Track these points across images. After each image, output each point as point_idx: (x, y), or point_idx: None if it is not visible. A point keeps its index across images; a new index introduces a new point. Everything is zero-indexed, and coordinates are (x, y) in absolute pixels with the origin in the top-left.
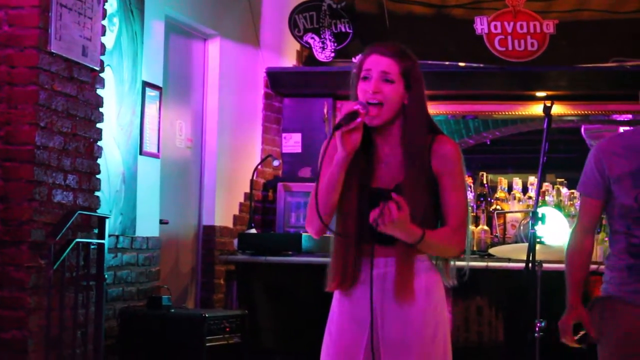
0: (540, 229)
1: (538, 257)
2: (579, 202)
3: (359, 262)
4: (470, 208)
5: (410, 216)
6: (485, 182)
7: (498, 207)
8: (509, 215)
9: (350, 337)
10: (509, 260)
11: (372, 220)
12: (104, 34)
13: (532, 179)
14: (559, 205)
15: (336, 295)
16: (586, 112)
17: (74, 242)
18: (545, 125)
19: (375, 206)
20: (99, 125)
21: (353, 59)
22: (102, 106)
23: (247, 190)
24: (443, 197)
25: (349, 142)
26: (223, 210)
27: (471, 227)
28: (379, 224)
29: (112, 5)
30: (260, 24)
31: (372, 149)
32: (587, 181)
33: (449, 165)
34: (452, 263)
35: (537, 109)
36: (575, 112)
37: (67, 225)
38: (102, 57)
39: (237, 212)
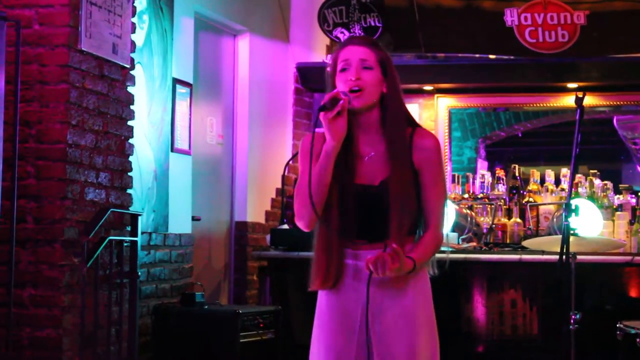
0: (573, 221)
1: (572, 249)
2: (611, 193)
3: (343, 259)
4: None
5: (401, 212)
6: (517, 174)
7: (531, 199)
8: (541, 208)
9: (343, 331)
10: (543, 252)
11: (367, 268)
12: (133, 31)
13: (565, 171)
14: (592, 197)
15: (322, 291)
16: (618, 102)
17: (107, 239)
18: (577, 117)
19: (362, 204)
20: (130, 122)
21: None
22: (133, 104)
23: (279, 185)
24: (424, 192)
25: (336, 130)
26: (255, 206)
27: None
28: (372, 272)
29: (141, 3)
30: (290, 19)
31: (352, 144)
32: None
33: (430, 160)
34: (432, 257)
35: (568, 101)
36: (608, 103)
37: (100, 223)
38: (132, 55)
39: (269, 208)
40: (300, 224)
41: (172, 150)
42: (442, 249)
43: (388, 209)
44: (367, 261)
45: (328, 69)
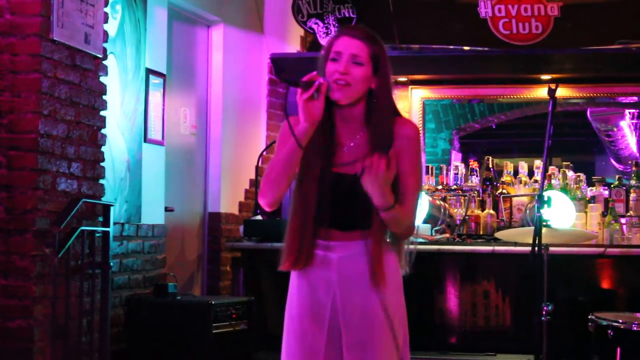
0: (546, 212)
1: (544, 240)
2: (584, 185)
3: (314, 244)
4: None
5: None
6: (491, 166)
7: (504, 191)
8: (515, 199)
9: (313, 320)
10: (516, 244)
11: (361, 168)
12: (106, 21)
13: (538, 163)
14: (565, 189)
15: (293, 276)
16: (592, 94)
17: (79, 230)
18: (550, 108)
19: (337, 192)
20: (102, 113)
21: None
22: (105, 94)
23: (253, 176)
24: (400, 178)
25: (310, 112)
26: (228, 197)
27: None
28: (364, 172)
29: None
30: (264, 10)
31: (333, 132)
32: None
33: (409, 147)
34: (405, 249)
35: (542, 92)
36: (581, 95)
37: (72, 214)
38: (105, 45)
39: (242, 199)
40: (262, 202)
41: (145, 141)
42: (411, 239)
43: (363, 198)
44: (363, 164)
45: (322, 51)
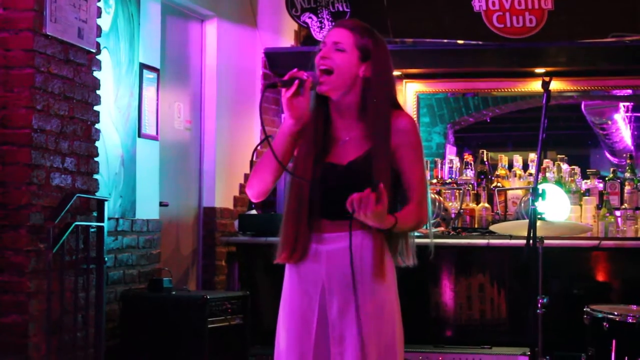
0: (541, 205)
1: (539, 233)
2: (579, 178)
3: (309, 237)
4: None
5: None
6: (485, 159)
7: (499, 184)
8: (509, 192)
9: (301, 312)
10: (510, 237)
11: (349, 204)
12: (99, 15)
13: (533, 156)
14: (559, 182)
15: (287, 269)
16: (586, 87)
17: (73, 225)
18: (544, 101)
19: (328, 182)
20: (96, 107)
21: None
22: (99, 88)
23: (247, 171)
24: (403, 171)
25: (294, 108)
26: (223, 191)
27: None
28: (355, 210)
29: None
30: (258, 5)
31: (329, 126)
32: None
33: (407, 139)
34: (412, 242)
35: (536, 86)
36: (575, 88)
37: (66, 209)
38: (98, 39)
39: (237, 194)
40: (249, 193)
41: (139, 136)
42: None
43: (352, 187)
44: (350, 199)
45: (318, 47)
